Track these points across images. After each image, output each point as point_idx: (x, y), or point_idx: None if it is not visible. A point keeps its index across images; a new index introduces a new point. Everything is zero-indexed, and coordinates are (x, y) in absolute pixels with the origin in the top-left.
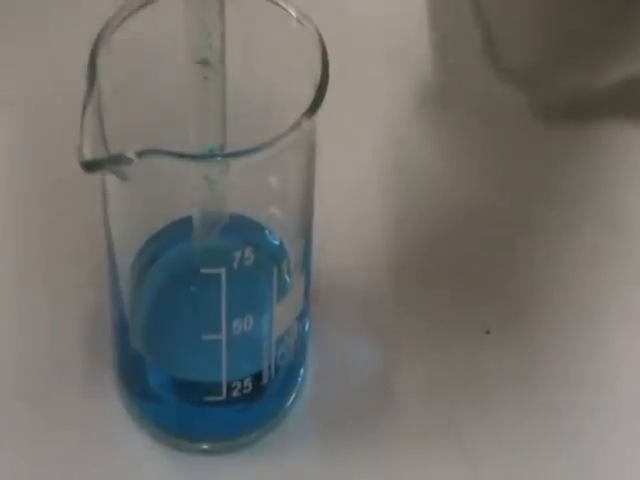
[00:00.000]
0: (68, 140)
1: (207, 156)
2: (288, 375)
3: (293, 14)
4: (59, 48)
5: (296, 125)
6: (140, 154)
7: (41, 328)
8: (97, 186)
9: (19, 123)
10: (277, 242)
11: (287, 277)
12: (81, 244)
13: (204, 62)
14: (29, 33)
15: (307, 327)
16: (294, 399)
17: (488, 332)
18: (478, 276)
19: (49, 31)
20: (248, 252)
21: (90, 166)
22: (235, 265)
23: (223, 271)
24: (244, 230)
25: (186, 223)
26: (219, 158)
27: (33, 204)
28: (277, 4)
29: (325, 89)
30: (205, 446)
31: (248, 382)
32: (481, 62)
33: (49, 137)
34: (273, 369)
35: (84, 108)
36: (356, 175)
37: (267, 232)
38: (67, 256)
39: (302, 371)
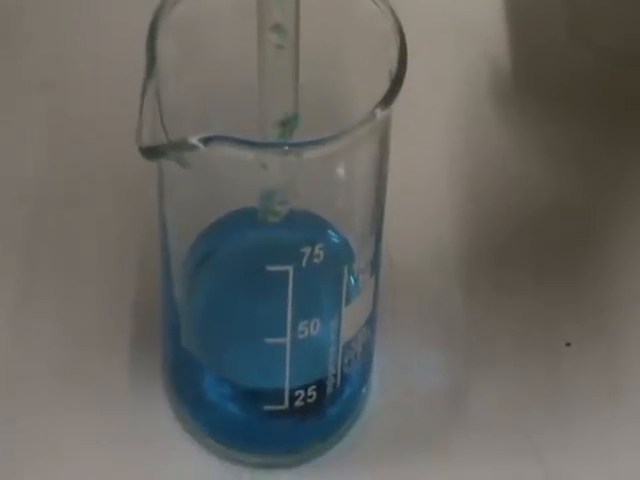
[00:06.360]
0: (109, 125)
1: (276, 145)
2: (354, 384)
3: None
4: (97, 25)
5: (369, 116)
6: (205, 141)
7: (86, 325)
8: (148, 174)
9: (55, 106)
10: (345, 240)
11: (356, 278)
12: (129, 235)
13: (277, 28)
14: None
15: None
16: (359, 411)
17: (569, 344)
18: (558, 283)
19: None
20: (318, 249)
21: (150, 152)
22: (303, 263)
23: (291, 269)
24: (310, 227)
25: (243, 215)
26: (287, 148)
27: (78, 194)
28: None
29: (402, 80)
30: (260, 459)
31: (312, 391)
32: (564, 41)
33: (88, 121)
34: (339, 377)
35: (144, 90)
36: (423, 167)
37: (334, 230)
38: (114, 248)
39: (368, 380)
